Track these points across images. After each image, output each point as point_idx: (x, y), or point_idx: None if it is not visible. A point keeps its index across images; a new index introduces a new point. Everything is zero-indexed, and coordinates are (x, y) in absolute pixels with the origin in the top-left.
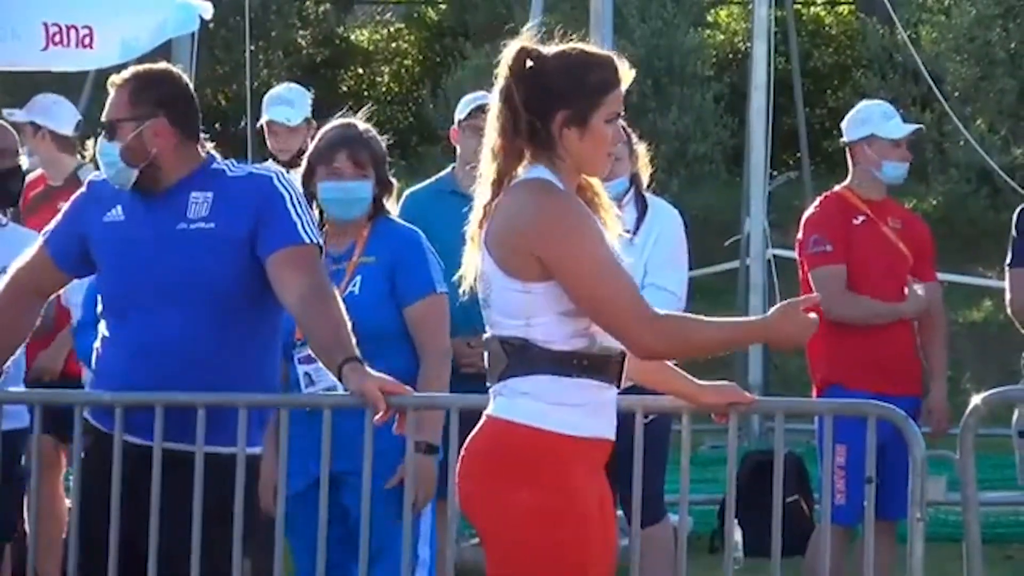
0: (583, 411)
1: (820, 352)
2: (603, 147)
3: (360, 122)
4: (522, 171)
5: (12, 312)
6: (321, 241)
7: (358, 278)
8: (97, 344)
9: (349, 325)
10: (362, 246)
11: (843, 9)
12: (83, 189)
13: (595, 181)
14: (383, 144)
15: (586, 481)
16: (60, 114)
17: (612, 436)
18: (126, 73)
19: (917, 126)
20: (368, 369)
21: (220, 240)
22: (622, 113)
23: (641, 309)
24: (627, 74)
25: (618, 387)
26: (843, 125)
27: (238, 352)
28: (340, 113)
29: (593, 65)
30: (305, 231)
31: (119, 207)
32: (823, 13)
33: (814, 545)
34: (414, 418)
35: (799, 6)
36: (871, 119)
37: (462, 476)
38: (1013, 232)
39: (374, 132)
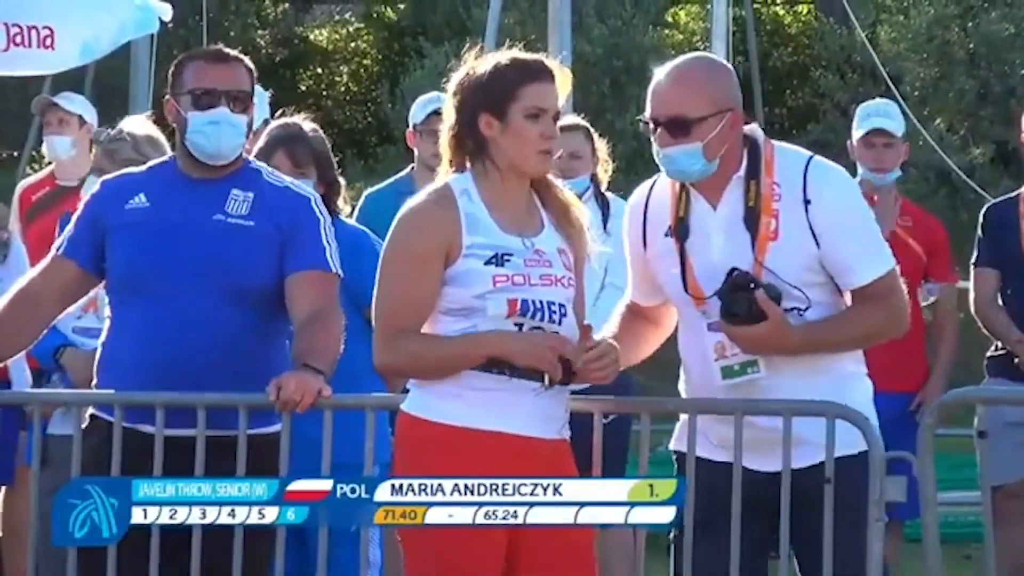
0: (467, 402)
1: None
2: (528, 143)
3: (305, 121)
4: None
5: (17, 318)
6: (341, 272)
7: None
8: (102, 338)
9: (336, 354)
10: None
11: (802, 9)
12: (95, 190)
13: (552, 179)
14: (327, 143)
15: (465, 471)
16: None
17: (530, 432)
18: (226, 49)
19: (873, 127)
20: (314, 378)
21: (256, 238)
22: (551, 111)
23: (390, 325)
24: (560, 75)
25: (542, 383)
26: None
27: (259, 344)
28: (291, 112)
29: (512, 63)
30: (332, 259)
31: (142, 195)
32: (782, 13)
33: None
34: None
35: (758, 6)
36: (857, 118)
37: None
38: (978, 232)
39: (318, 131)
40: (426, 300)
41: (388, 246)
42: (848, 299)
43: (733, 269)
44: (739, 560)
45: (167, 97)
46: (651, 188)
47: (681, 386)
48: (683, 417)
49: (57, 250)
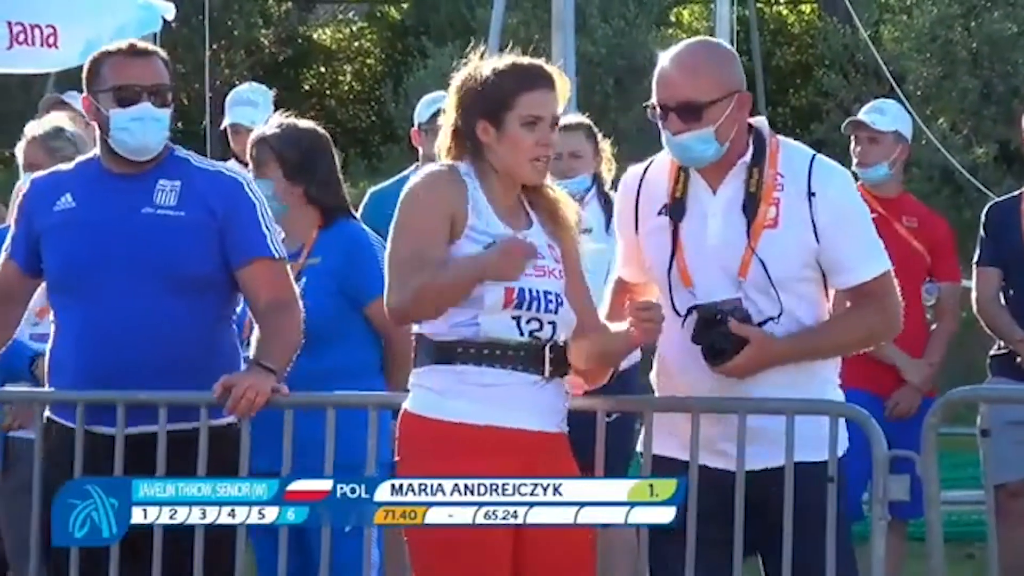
0: (469, 398)
1: None
2: (522, 151)
3: (293, 121)
4: None
5: None
6: (286, 254)
7: (303, 279)
8: (49, 344)
9: (296, 345)
10: (309, 248)
11: (805, 8)
12: (27, 190)
13: (546, 182)
14: (312, 141)
15: (470, 468)
16: None
17: (532, 426)
18: (140, 43)
19: (848, 120)
20: (265, 378)
21: (187, 226)
22: (548, 118)
23: (402, 270)
24: (560, 81)
25: (542, 376)
26: None
27: (204, 334)
28: (291, 112)
29: (510, 70)
30: (274, 245)
31: (68, 195)
32: (785, 12)
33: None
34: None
35: (761, 5)
36: None
37: None
38: (981, 231)
39: (295, 132)
40: (436, 251)
41: (402, 204)
42: (831, 296)
43: (693, 307)
44: (734, 560)
45: (83, 94)
46: (647, 168)
47: (653, 377)
48: (648, 417)
49: (5, 251)
